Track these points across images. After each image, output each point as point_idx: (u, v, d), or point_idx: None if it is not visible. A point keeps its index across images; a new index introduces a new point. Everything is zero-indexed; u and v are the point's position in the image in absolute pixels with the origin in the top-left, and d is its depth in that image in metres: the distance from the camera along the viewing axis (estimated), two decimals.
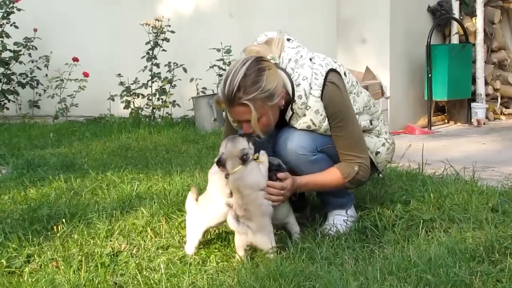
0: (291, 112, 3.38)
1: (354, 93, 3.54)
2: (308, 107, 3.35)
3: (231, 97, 3.21)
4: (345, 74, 3.50)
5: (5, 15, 9.04)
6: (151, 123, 8.04)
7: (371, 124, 3.62)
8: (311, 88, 3.33)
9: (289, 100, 3.36)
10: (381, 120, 3.72)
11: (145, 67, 8.25)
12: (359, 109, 3.54)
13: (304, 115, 3.37)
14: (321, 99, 3.34)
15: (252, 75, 3.19)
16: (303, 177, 3.45)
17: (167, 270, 3.08)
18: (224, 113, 3.75)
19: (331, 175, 3.46)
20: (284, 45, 3.44)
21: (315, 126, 3.38)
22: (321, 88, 3.33)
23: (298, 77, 3.34)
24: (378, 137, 3.66)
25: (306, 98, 3.32)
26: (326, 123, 3.39)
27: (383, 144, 3.68)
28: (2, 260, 3.23)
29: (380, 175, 3.81)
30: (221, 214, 3.33)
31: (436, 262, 2.83)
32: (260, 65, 3.23)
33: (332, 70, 3.40)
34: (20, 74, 9.23)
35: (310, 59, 3.40)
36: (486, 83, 8.49)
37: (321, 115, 3.36)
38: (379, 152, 3.66)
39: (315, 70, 3.36)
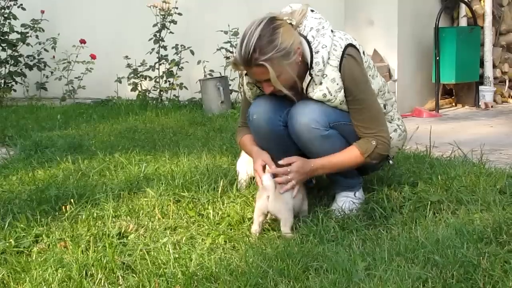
0: (309, 78, 3.38)
1: (370, 75, 3.53)
2: (324, 75, 3.36)
3: (248, 59, 3.23)
4: (363, 53, 3.51)
5: None
6: (158, 105, 8.05)
7: (385, 108, 3.62)
8: (329, 57, 3.35)
9: (307, 67, 3.37)
10: (394, 108, 3.72)
11: (153, 49, 8.23)
12: (374, 90, 3.54)
13: (321, 83, 3.38)
14: (339, 70, 3.35)
15: (267, 35, 3.21)
16: (318, 159, 3.45)
17: (174, 251, 3.09)
18: (241, 89, 3.76)
19: (349, 154, 3.46)
20: (307, 14, 3.44)
21: (331, 95, 3.39)
22: (339, 59, 3.35)
23: (318, 45, 3.35)
24: (390, 122, 3.65)
25: (324, 66, 3.34)
26: (341, 93, 3.39)
27: (395, 130, 3.67)
28: (11, 240, 3.24)
29: (390, 161, 3.79)
30: None
31: (444, 243, 2.84)
32: (274, 24, 3.26)
33: (351, 45, 3.41)
34: (28, 56, 9.22)
35: (332, 31, 3.42)
36: (494, 66, 8.45)
37: (337, 84, 3.37)
38: (390, 138, 3.64)
39: (335, 41, 3.38)
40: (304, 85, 3.42)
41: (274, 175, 3.36)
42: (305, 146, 3.51)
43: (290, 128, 3.49)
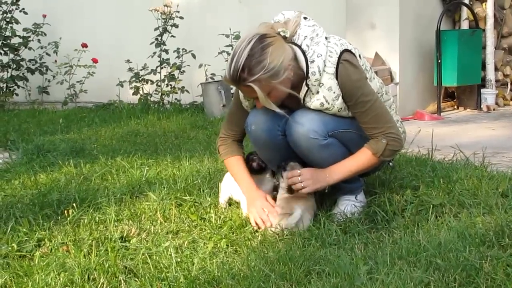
0: (305, 88, 3.37)
1: (367, 78, 3.51)
2: (321, 84, 3.34)
3: (237, 79, 3.23)
4: (359, 57, 3.49)
5: (14, 0, 9.04)
6: (160, 109, 8.06)
7: None
8: (325, 65, 3.32)
9: (303, 76, 3.35)
10: (392, 109, 3.69)
11: (154, 53, 8.25)
12: None
13: (317, 92, 3.36)
14: (336, 78, 3.33)
15: (256, 55, 3.19)
16: (333, 166, 3.46)
17: (176, 255, 3.09)
18: (234, 94, 3.76)
19: (362, 156, 3.45)
20: (300, 23, 3.43)
21: (328, 104, 3.37)
22: (335, 66, 3.32)
23: (313, 54, 3.33)
24: None
25: (320, 75, 3.32)
26: (339, 101, 3.37)
27: None
28: (13, 244, 3.24)
29: (390, 163, 3.78)
30: None
31: (446, 246, 2.83)
32: (264, 43, 3.22)
33: (346, 50, 3.39)
34: (30, 60, 9.26)
35: (326, 38, 3.39)
36: (496, 69, 8.46)
37: (334, 92, 3.35)
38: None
39: (330, 48, 3.35)
40: (301, 95, 3.40)
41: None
42: (305, 156, 3.51)
43: (288, 138, 3.49)
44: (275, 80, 3.25)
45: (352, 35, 7.55)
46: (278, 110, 3.36)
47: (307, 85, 3.35)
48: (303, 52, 3.34)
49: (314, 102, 3.39)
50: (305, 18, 3.46)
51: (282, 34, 3.32)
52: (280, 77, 3.25)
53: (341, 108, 3.40)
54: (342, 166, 3.47)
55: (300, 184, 3.43)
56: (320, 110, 3.40)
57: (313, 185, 3.43)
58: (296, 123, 3.42)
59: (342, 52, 3.35)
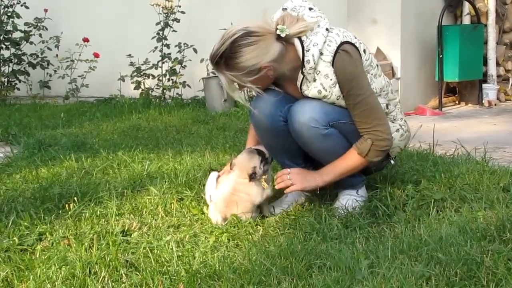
0: (301, 76, 3.38)
1: (372, 74, 3.49)
2: (318, 72, 3.35)
3: (214, 62, 3.36)
4: (364, 51, 3.48)
5: None
6: (161, 103, 8.05)
7: (387, 108, 3.57)
8: (321, 54, 3.32)
9: (300, 65, 3.36)
10: (398, 108, 3.68)
11: (156, 47, 8.24)
12: (375, 89, 3.50)
13: (314, 80, 3.37)
14: (332, 65, 3.33)
15: (233, 49, 3.27)
16: (323, 168, 3.50)
17: (178, 249, 3.09)
18: None
19: (350, 157, 3.46)
20: (304, 12, 3.44)
21: (326, 91, 3.37)
22: (332, 54, 3.32)
23: (310, 43, 3.33)
24: (392, 122, 3.61)
25: (314, 63, 3.32)
26: (336, 88, 3.37)
27: (397, 130, 3.63)
28: (15, 238, 3.24)
29: (392, 161, 3.77)
30: None
31: (447, 241, 2.83)
32: (245, 41, 3.27)
33: (348, 43, 3.39)
34: (31, 55, 9.24)
35: (327, 29, 3.39)
36: (498, 64, 8.45)
37: (331, 79, 3.35)
38: (390, 132, 3.61)
39: (329, 37, 3.35)
40: (298, 83, 3.42)
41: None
42: (305, 145, 3.51)
43: (290, 127, 3.49)
44: (246, 78, 3.33)
45: (354, 30, 7.53)
46: (241, 100, 3.52)
47: (302, 73, 3.36)
48: (301, 42, 3.35)
49: (312, 90, 3.39)
50: (310, 9, 3.47)
51: (278, 32, 3.32)
52: (252, 76, 3.32)
53: (340, 96, 3.40)
54: (331, 167, 3.50)
55: (289, 181, 3.44)
56: (319, 98, 3.40)
57: (300, 184, 3.45)
58: (297, 111, 3.43)
59: (342, 43, 3.36)
